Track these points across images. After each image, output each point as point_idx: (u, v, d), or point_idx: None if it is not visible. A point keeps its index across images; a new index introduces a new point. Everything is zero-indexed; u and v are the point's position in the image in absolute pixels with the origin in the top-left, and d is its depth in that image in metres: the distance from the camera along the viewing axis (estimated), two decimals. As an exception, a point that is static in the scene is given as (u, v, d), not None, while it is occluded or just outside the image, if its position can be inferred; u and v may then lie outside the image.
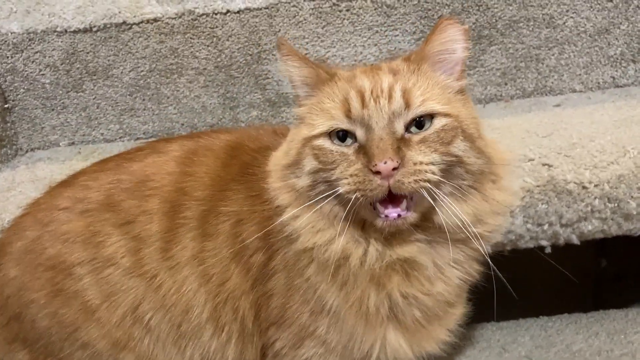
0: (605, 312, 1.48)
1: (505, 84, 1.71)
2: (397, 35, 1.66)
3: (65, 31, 1.66)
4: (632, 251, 1.66)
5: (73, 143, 1.81)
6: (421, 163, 0.92)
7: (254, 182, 1.10)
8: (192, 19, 1.64)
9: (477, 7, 1.62)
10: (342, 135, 0.98)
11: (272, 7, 1.63)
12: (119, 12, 1.65)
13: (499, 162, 1.04)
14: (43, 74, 1.72)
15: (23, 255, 1.15)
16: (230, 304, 1.10)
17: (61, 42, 1.67)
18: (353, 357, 1.07)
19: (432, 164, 0.93)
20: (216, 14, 1.64)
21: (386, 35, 1.66)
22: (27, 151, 1.82)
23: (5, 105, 1.75)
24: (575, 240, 1.30)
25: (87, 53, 1.69)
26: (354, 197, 0.93)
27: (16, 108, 1.77)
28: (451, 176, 0.97)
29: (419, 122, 0.96)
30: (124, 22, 1.65)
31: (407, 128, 0.96)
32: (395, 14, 1.63)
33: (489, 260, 1.03)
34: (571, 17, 1.63)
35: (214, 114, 1.75)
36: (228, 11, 1.63)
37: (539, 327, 1.46)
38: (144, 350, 1.14)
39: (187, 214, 1.12)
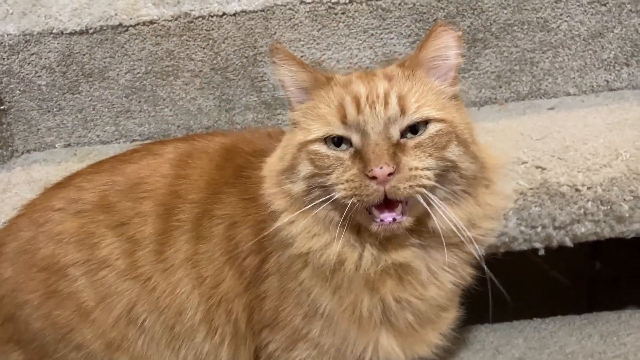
0: (598, 314, 1.48)
1: (500, 87, 1.72)
2: (393, 38, 1.66)
3: (62, 33, 1.66)
4: (626, 254, 1.67)
5: (69, 145, 1.81)
6: (416, 168, 0.93)
7: (248, 185, 1.11)
8: (188, 22, 1.65)
9: (472, 11, 1.63)
10: (337, 141, 0.98)
11: (268, 10, 1.63)
12: (115, 14, 1.65)
13: (492, 167, 1.05)
14: (39, 76, 1.72)
15: (17, 256, 1.16)
16: (223, 306, 1.10)
17: (57, 44, 1.67)
18: (346, 360, 1.08)
19: (428, 169, 0.94)
20: (212, 17, 1.64)
21: (381, 38, 1.66)
22: (22, 153, 1.82)
23: (1, 107, 1.75)
24: (568, 242, 1.30)
25: (83, 55, 1.69)
26: (350, 202, 0.93)
27: (12, 110, 1.77)
28: (445, 181, 0.97)
29: (414, 128, 0.97)
30: (120, 24, 1.65)
31: (402, 134, 0.96)
32: (391, 17, 1.64)
33: (483, 264, 1.04)
34: (565, 21, 1.64)
35: (209, 116, 1.75)
36: (224, 14, 1.64)
37: (532, 329, 1.46)
38: (138, 352, 1.14)
39: (181, 216, 1.12)
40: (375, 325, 1.05)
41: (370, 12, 1.64)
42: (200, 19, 1.64)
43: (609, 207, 1.26)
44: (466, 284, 1.11)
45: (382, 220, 0.94)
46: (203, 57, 1.68)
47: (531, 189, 1.27)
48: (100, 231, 1.13)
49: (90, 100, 1.75)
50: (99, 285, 1.12)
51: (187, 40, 1.66)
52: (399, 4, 1.62)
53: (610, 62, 1.68)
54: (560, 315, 1.49)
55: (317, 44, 1.67)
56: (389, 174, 0.91)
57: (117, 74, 1.71)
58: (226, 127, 1.75)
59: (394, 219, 0.94)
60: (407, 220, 0.96)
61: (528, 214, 1.27)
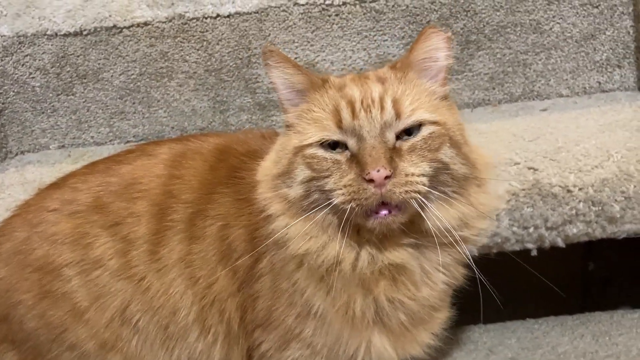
0: (591, 314, 1.49)
1: (493, 89, 1.73)
2: (386, 40, 1.67)
3: (56, 34, 1.67)
4: (619, 254, 1.68)
5: (63, 146, 1.81)
6: (412, 175, 0.94)
7: (241, 185, 1.11)
8: (182, 23, 1.65)
9: (465, 13, 1.64)
10: (332, 145, 0.98)
11: (262, 12, 1.64)
12: (110, 16, 1.66)
13: (483, 167, 1.05)
14: (33, 77, 1.72)
15: (11, 256, 1.16)
16: (216, 306, 1.10)
17: (51, 45, 1.68)
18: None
19: (423, 175, 0.95)
20: (206, 18, 1.65)
21: (375, 40, 1.67)
22: (16, 154, 1.82)
23: (-5, 108, 1.76)
24: (560, 243, 1.31)
25: (78, 56, 1.69)
26: (349, 207, 0.94)
27: (6, 111, 1.77)
28: (438, 182, 0.98)
29: (408, 130, 0.98)
30: (115, 26, 1.66)
31: (397, 137, 0.97)
32: (384, 19, 1.64)
33: (472, 264, 1.05)
34: (558, 23, 1.65)
35: (204, 118, 1.76)
36: (218, 15, 1.65)
37: (525, 329, 1.46)
38: (131, 351, 1.14)
39: (174, 216, 1.12)
40: (368, 325, 1.05)
41: (364, 14, 1.64)
42: (194, 20, 1.65)
43: (600, 208, 1.27)
44: (458, 284, 1.11)
45: (377, 213, 0.95)
46: (197, 58, 1.69)
47: (523, 189, 1.27)
48: (94, 231, 1.13)
49: (84, 102, 1.75)
50: (92, 285, 1.12)
51: (181, 41, 1.67)
52: (393, 6, 1.63)
53: (603, 64, 1.69)
54: (553, 315, 1.50)
55: (311, 45, 1.67)
56: (386, 177, 0.91)
57: (112, 76, 1.71)
58: (220, 129, 1.76)
59: (390, 211, 0.95)
60: (402, 216, 0.97)
61: (520, 215, 1.28)
